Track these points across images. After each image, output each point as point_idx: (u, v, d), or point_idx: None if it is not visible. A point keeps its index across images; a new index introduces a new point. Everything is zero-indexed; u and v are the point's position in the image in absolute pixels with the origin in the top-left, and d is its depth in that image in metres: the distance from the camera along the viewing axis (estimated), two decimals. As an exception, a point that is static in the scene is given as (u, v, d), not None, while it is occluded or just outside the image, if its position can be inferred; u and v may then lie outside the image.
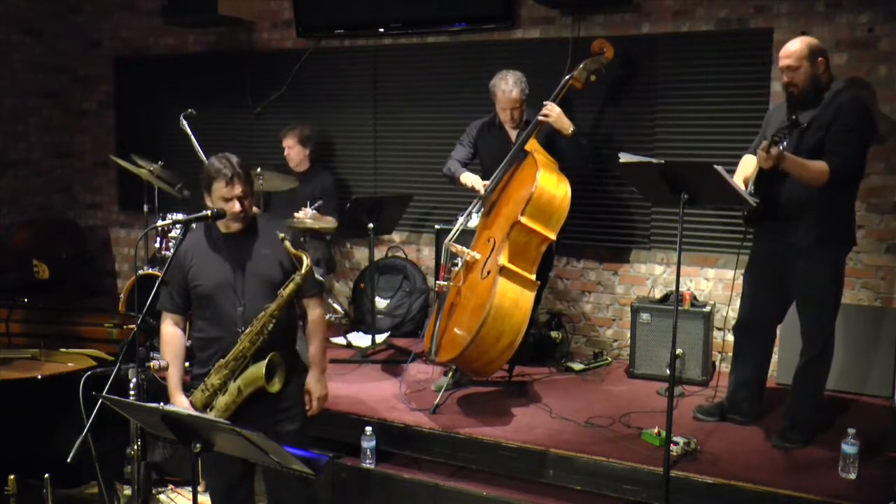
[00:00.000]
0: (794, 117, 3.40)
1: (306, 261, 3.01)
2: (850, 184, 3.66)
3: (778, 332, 4.11)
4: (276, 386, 3.02)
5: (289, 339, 3.21)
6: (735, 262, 3.91)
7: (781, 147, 3.40)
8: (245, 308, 3.04)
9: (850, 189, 3.68)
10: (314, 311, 3.25)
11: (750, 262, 3.96)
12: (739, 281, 4.08)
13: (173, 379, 3.14)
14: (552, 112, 4.37)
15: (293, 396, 3.17)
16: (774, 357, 4.52)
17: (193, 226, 3.17)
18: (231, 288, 3.06)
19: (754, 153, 3.80)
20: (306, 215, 5.15)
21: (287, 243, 3.02)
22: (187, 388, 3.18)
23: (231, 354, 3.01)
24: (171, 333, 3.21)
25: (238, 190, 3.01)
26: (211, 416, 3.02)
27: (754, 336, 3.95)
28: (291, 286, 3.00)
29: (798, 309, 3.84)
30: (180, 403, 3.06)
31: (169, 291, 3.19)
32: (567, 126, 4.38)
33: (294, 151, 5.50)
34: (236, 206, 3.01)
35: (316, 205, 5.18)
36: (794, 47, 3.58)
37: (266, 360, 2.97)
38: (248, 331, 3.00)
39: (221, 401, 3.03)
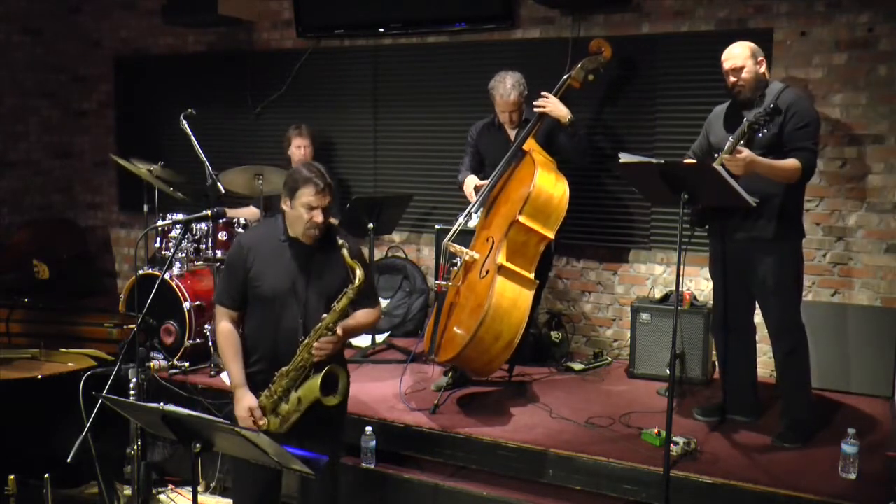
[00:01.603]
0: (773, 105, 3.47)
1: (360, 273, 2.96)
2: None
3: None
4: (334, 399, 2.98)
5: (341, 351, 3.16)
6: (683, 259, 3.95)
7: (760, 135, 3.48)
8: (305, 318, 3.01)
9: (803, 183, 3.72)
10: (374, 309, 3.22)
11: (712, 262, 4.00)
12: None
13: (237, 376, 3.06)
14: (547, 102, 4.40)
15: (342, 416, 3.20)
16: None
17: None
18: (293, 295, 3.02)
19: (692, 156, 3.99)
20: None
21: (345, 251, 2.98)
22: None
23: (292, 364, 2.98)
24: (229, 331, 3.10)
25: (326, 201, 2.98)
26: (276, 421, 3.01)
27: (732, 333, 3.97)
28: (344, 300, 2.96)
29: (761, 304, 3.86)
30: (248, 401, 3.00)
31: (227, 286, 3.13)
32: (564, 114, 4.40)
33: (309, 151, 5.50)
34: (319, 217, 2.97)
35: None
36: (736, 50, 3.73)
37: (322, 373, 2.94)
38: (305, 342, 2.97)
39: (284, 408, 3.02)
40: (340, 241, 3.02)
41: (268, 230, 3.14)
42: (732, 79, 3.71)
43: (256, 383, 3.06)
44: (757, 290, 3.82)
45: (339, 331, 2.97)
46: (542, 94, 4.44)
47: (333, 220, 5.10)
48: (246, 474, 3.13)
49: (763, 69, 3.72)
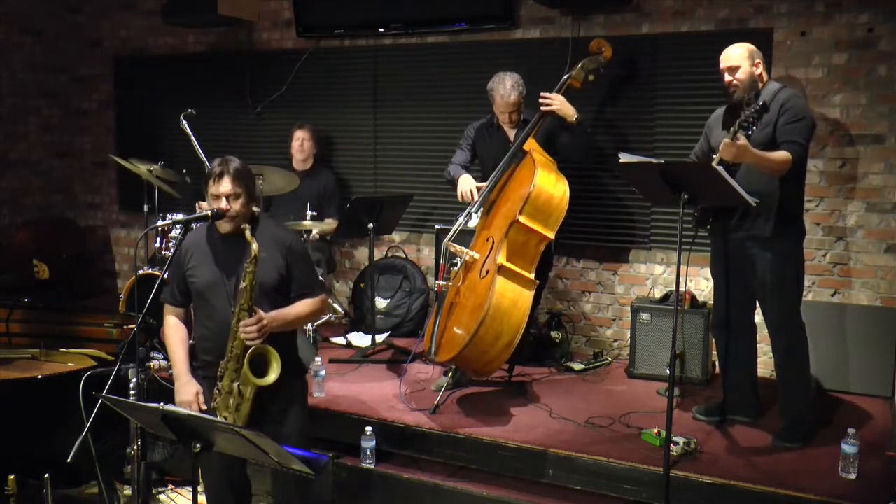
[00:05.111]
0: (762, 102, 3.48)
1: (254, 247, 2.95)
2: (801, 174, 3.78)
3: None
4: (269, 379, 2.99)
5: (284, 340, 3.16)
6: (687, 259, 3.91)
7: (751, 133, 3.51)
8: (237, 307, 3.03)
9: (800, 181, 3.79)
10: (316, 299, 3.21)
11: (713, 261, 4.02)
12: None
13: (180, 363, 3.15)
14: (554, 100, 4.40)
15: (289, 397, 3.19)
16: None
17: (194, 225, 3.20)
18: (223, 288, 3.08)
19: (694, 159, 4.02)
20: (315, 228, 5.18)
21: (248, 232, 2.99)
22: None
23: (228, 353, 3.02)
24: (174, 322, 3.28)
25: (224, 188, 3.02)
26: (231, 417, 3.01)
27: (733, 333, 3.98)
28: (248, 277, 2.96)
29: (760, 303, 3.88)
30: (193, 388, 3.07)
31: (170, 286, 3.26)
32: (571, 113, 4.41)
33: (308, 144, 5.54)
34: (222, 203, 3.02)
35: (311, 214, 5.20)
36: (734, 52, 3.78)
37: (248, 356, 2.96)
38: (232, 329, 3.00)
39: (233, 402, 3.04)
40: (244, 225, 3.01)
41: (204, 229, 3.20)
42: (728, 78, 3.76)
43: (210, 375, 3.12)
44: (757, 289, 3.83)
45: (259, 312, 2.98)
46: (544, 94, 4.44)
47: (332, 221, 5.20)
48: (209, 465, 3.22)
49: (760, 71, 3.75)
